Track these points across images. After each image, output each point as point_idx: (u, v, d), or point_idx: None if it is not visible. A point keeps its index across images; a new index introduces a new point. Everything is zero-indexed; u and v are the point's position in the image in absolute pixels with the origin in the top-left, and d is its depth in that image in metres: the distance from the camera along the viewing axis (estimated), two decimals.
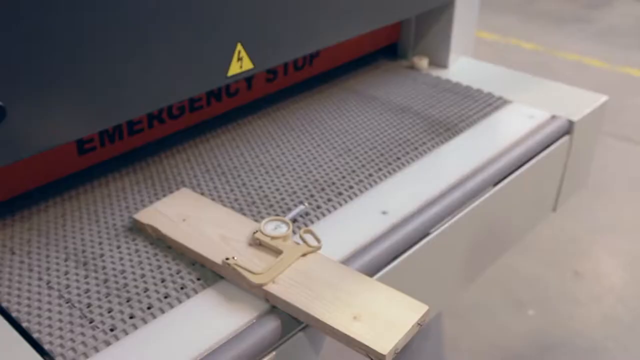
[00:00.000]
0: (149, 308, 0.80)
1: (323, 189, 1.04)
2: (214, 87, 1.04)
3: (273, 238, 0.87)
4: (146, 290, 0.83)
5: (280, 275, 0.81)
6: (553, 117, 1.27)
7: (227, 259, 0.83)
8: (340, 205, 1.00)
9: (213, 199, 1.02)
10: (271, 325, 0.78)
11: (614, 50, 3.66)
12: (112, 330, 0.77)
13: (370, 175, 1.08)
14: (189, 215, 0.94)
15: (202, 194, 1.03)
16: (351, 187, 1.04)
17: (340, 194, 1.03)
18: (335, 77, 1.45)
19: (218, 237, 0.89)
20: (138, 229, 0.94)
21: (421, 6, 1.36)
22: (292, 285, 0.80)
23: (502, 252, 1.25)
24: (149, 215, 0.94)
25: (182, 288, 0.83)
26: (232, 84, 1.23)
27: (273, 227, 0.89)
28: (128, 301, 0.81)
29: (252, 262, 0.84)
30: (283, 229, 0.89)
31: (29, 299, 0.82)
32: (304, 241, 0.87)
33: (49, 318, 0.78)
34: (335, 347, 0.89)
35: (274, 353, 0.79)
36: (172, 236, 0.89)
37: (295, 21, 1.07)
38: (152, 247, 0.91)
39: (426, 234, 0.98)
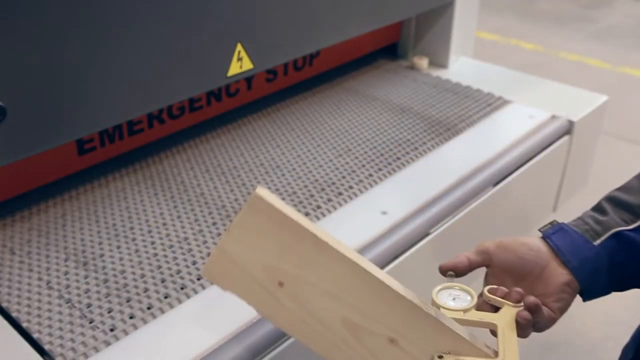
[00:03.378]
0: (149, 308, 0.80)
1: (323, 189, 1.04)
2: (214, 87, 1.04)
3: (465, 312, 0.63)
4: (146, 290, 0.83)
5: None
6: (553, 117, 1.27)
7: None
8: (340, 205, 1.00)
9: (213, 199, 1.01)
10: (271, 325, 0.78)
11: (614, 50, 3.66)
12: (112, 330, 0.77)
13: (370, 175, 1.08)
14: (284, 271, 0.56)
15: (202, 194, 1.03)
16: (351, 187, 1.04)
17: (340, 194, 1.03)
18: (335, 77, 1.45)
19: (342, 324, 0.57)
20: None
21: (421, 6, 1.36)
22: None
23: None
24: (221, 271, 0.57)
25: (182, 288, 0.83)
26: (232, 84, 1.23)
27: (451, 298, 0.65)
28: (128, 301, 0.81)
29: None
30: (467, 299, 0.65)
31: (29, 299, 0.82)
32: (500, 300, 0.65)
33: (49, 318, 0.78)
34: None
35: (273, 353, 0.79)
36: (272, 320, 0.59)
37: (295, 21, 1.07)
38: (152, 247, 0.91)
39: (426, 234, 0.98)
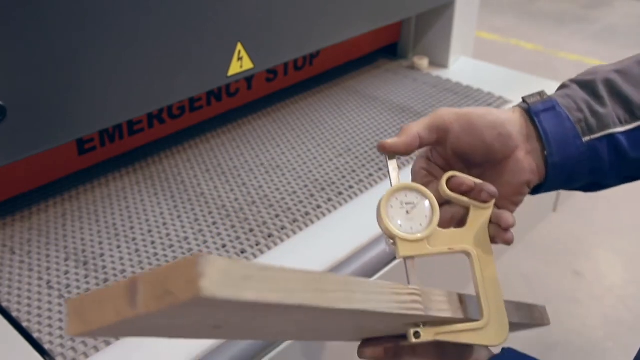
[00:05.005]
0: None
1: (323, 189, 1.04)
2: (214, 87, 1.04)
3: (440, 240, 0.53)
4: None
5: None
6: None
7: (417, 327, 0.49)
8: (341, 205, 1.00)
9: (213, 198, 1.01)
10: None
11: (614, 50, 3.66)
12: None
13: (371, 175, 1.08)
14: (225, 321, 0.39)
15: (202, 194, 1.03)
16: (351, 187, 1.04)
17: (340, 193, 1.03)
18: (335, 77, 1.45)
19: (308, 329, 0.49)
20: None
21: (421, 6, 1.36)
22: None
23: (502, 252, 1.25)
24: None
25: None
26: (232, 83, 1.23)
27: (404, 213, 0.54)
28: None
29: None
30: (424, 213, 0.53)
31: (29, 298, 0.82)
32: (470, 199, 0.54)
33: (49, 318, 0.79)
34: (337, 344, 0.89)
35: (273, 353, 0.79)
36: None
37: (296, 21, 1.07)
38: (152, 247, 0.91)
39: None
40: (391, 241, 0.53)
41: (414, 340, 0.49)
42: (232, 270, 0.32)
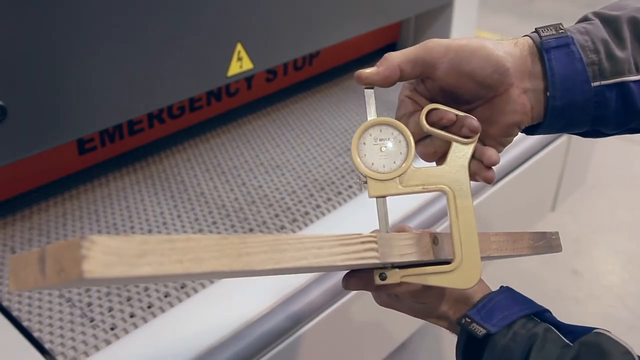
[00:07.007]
0: (149, 307, 0.81)
1: (322, 189, 1.04)
2: (214, 87, 1.04)
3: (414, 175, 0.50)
4: (146, 289, 0.83)
5: None
6: None
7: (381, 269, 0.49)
8: (340, 204, 1.01)
9: (213, 198, 1.02)
10: (272, 324, 0.78)
11: None
12: (112, 329, 0.77)
13: None
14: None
15: (202, 193, 1.03)
16: (350, 187, 1.05)
17: (339, 193, 1.03)
18: (335, 77, 1.45)
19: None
20: None
21: (420, 6, 1.36)
22: None
23: None
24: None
25: (182, 287, 0.84)
26: (231, 83, 1.23)
27: (378, 150, 0.50)
28: (128, 300, 0.82)
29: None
30: (400, 148, 0.50)
31: (29, 298, 0.82)
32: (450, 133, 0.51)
33: (50, 317, 0.79)
34: (335, 344, 0.89)
35: (273, 352, 0.79)
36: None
37: (295, 21, 1.08)
38: None
39: None
40: (363, 179, 0.50)
41: (380, 282, 0.48)
42: (123, 249, 0.32)
